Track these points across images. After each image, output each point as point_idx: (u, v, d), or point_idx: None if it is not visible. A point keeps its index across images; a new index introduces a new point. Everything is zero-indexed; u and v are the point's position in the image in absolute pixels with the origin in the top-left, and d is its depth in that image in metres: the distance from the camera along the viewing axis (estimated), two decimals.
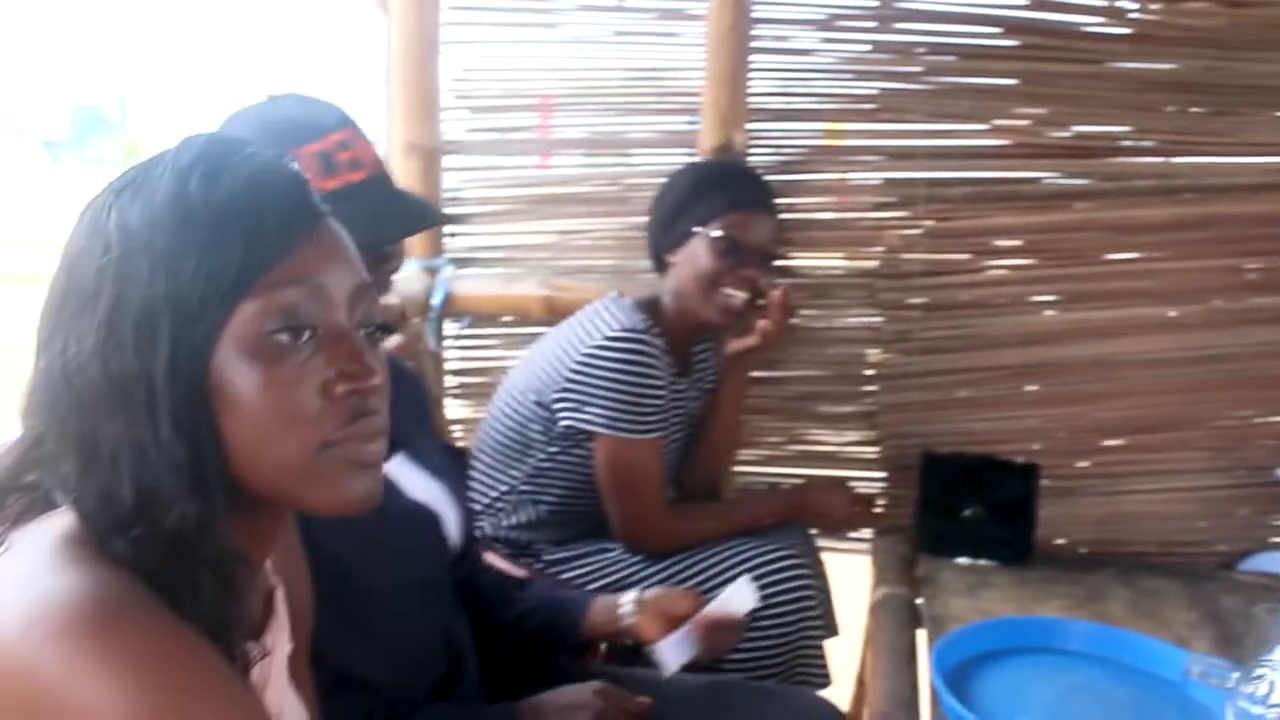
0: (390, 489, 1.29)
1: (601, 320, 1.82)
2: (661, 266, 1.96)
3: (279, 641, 0.94)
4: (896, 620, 1.68)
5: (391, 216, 1.22)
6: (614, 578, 1.84)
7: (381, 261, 1.23)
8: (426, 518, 1.38)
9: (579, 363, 1.78)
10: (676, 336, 1.95)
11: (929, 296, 2.23)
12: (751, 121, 2.20)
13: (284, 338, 0.77)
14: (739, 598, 1.61)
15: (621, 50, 2.30)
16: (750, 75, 2.18)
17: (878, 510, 2.24)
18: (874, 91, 2.19)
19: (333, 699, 1.19)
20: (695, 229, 1.87)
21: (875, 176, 2.25)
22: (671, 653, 1.50)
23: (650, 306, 1.92)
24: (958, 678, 1.39)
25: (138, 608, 0.70)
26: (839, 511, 2.08)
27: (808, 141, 2.25)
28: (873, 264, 2.25)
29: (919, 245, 2.21)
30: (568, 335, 1.85)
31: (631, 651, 1.60)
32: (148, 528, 0.74)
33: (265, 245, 0.76)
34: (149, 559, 0.73)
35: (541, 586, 1.67)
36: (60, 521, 0.75)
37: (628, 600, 1.55)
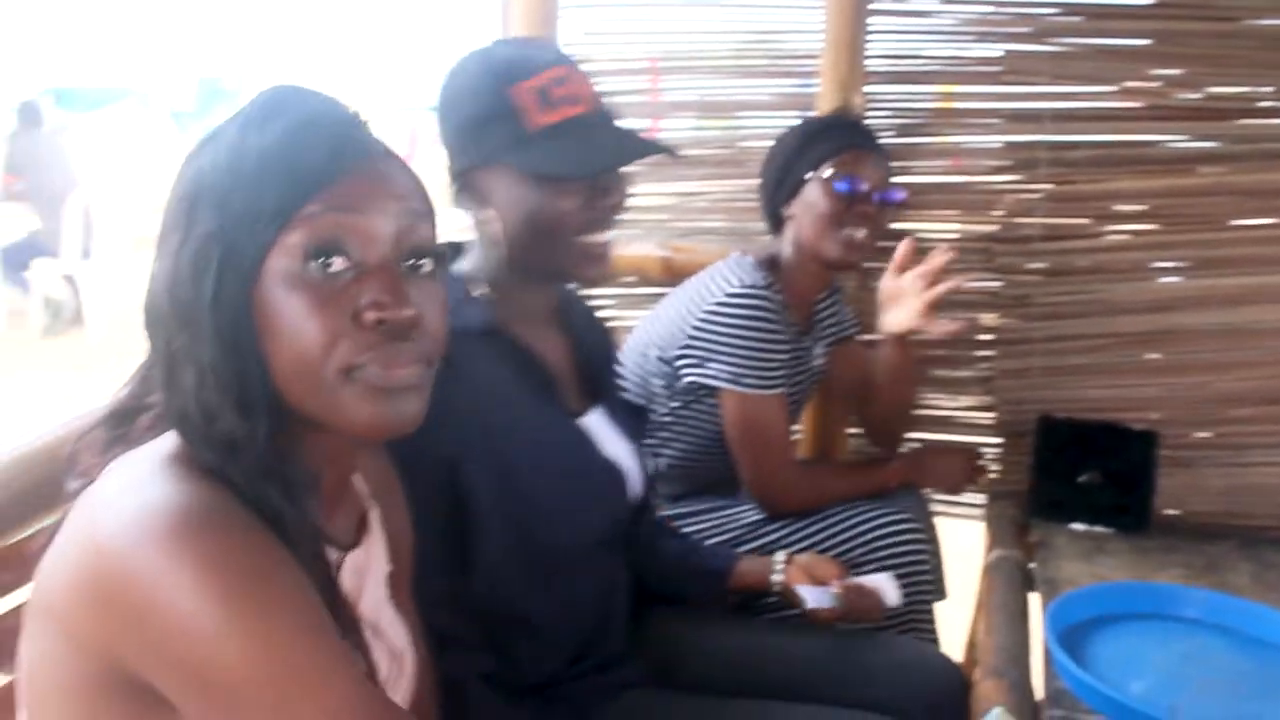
0: (588, 444, 1.37)
1: (723, 278, 1.85)
2: (778, 224, 1.98)
3: (375, 558, 1.00)
4: (1009, 582, 1.69)
5: (601, 149, 1.24)
6: (729, 534, 1.88)
7: (599, 195, 1.25)
8: (617, 475, 1.41)
9: (701, 319, 1.82)
10: (798, 293, 1.96)
11: (1049, 261, 2.20)
12: (869, 84, 2.20)
13: (321, 267, 0.82)
14: (887, 590, 1.60)
15: (737, 13, 2.31)
16: (868, 38, 2.18)
17: (991, 475, 2.23)
18: (996, 54, 2.16)
19: (498, 635, 1.26)
20: (808, 175, 1.89)
21: (994, 140, 2.22)
22: (812, 594, 1.54)
23: (771, 264, 1.94)
24: (1071, 639, 1.40)
25: (224, 519, 0.76)
26: (959, 477, 2.07)
27: (926, 104, 2.24)
28: (991, 228, 2.23)
29: (1039, 209, 2.18)
30: (691, 293, 1.88)
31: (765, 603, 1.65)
32: (211, 436, 0.80)
33: (304, 180, 0.81)
34: (222, 464, 0.80)
35: (690, 538, 1.72)
36: (167, 440, 0.83)
37: (779, 558, 1.59)
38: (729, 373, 1.79)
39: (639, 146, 1.29)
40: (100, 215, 6.43)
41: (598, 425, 1.41)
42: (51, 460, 0.90)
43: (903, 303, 1.87)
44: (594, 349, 1.45)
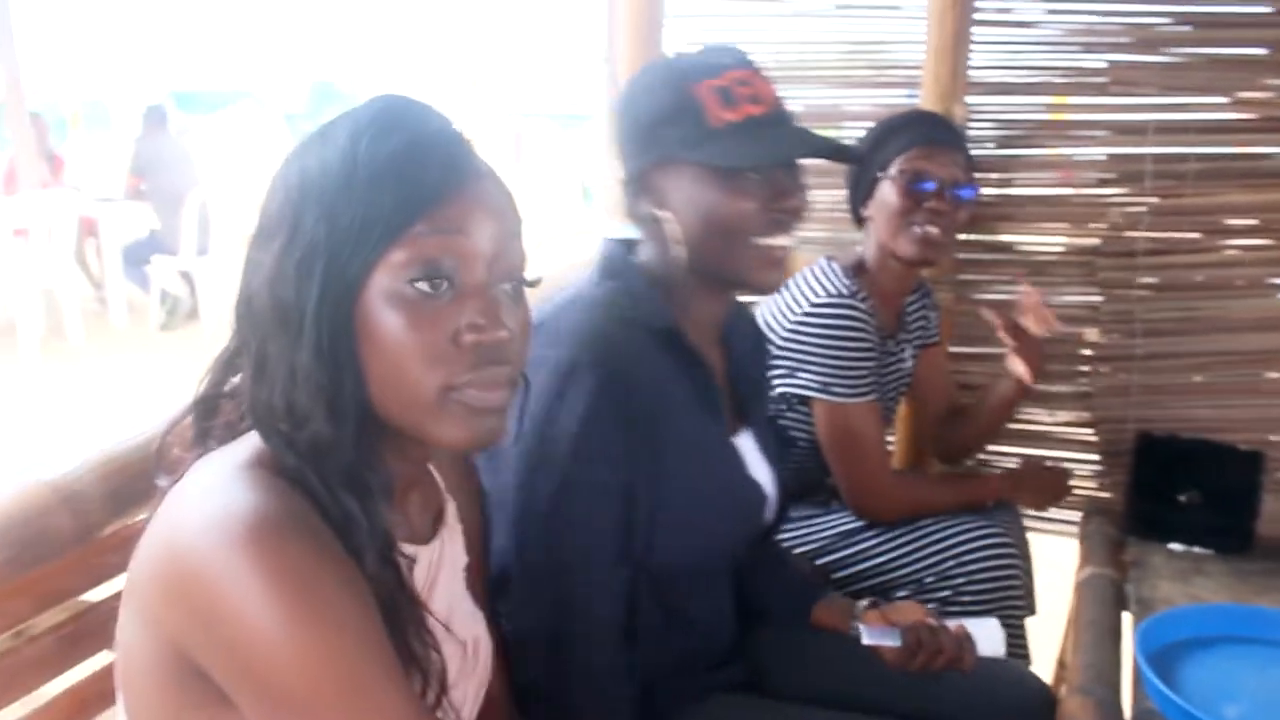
0: (740, 464, 1.38)
1: (809, 287, 1.85)
2: (862, 225, 1.98)
3: (451, 551, 1.03)
4: (1101, 600, 1.66)
5: (782, 144, 1.24)
6: (819, 543, 1.88)
7: (778, 197, 1.24)
8: (760, 500, 1.41)
9: (790, 329, 1.83)
10: (885, 294, 1.96)
11: (1154, 276, 2.16)
12: (971, 95, 2.18)
13: (424, 286, 0.83)
14: (984, 636, 1.48)
15: (842, 23, 2.31)
16: (972, 48, 2.16)
17: (1088, 491, 2.20)
18: (1101, 64, 2.13)
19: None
20: (879, 175, 1.89)
21: (1099, 152, 2.19)
22: (871, 630, 1.44)
23: (858, 269, 1.94)
24: (1162, 660, 1.37)
25: (295, 529, 0.78)
26: (1052, 496, 2.05)
27: (1029, 115, 2.21)
28: (1094, 242, 2.19)
29: (1144, 223, 2.14)
30: (780, 302, 1.89)
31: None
32: (294, 435, 0.83)
33: (414, 200, 0.83)
34: (299, 462, 0.82)
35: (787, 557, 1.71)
36: (247, 443, 0.86)
37: (861, 605, 1.52)
38: (819, 382, 1.80)
39: (820, 143, 1.31)
40: (216, 214, 6.67)
41: (747, 447, 1.41)
42: None
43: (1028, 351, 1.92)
44: (750, 369, 1.45)
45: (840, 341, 1.80)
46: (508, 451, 1.18)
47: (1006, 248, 2.28)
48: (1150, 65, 2.09)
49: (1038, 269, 2.24)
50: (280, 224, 0.85)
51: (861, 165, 1.92)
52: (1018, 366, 1.96)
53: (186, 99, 11.92)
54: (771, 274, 1.27)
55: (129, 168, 7.26)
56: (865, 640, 1.43)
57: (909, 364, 2.07)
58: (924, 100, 2.18)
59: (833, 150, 1.32)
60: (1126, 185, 2.15)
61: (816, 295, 1.82)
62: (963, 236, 2.24)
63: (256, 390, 0.85)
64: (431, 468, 1.04)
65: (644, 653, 1.30)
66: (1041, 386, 2.28)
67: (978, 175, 2.22)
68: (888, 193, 1.87)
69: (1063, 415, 2.29)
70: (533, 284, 0.92)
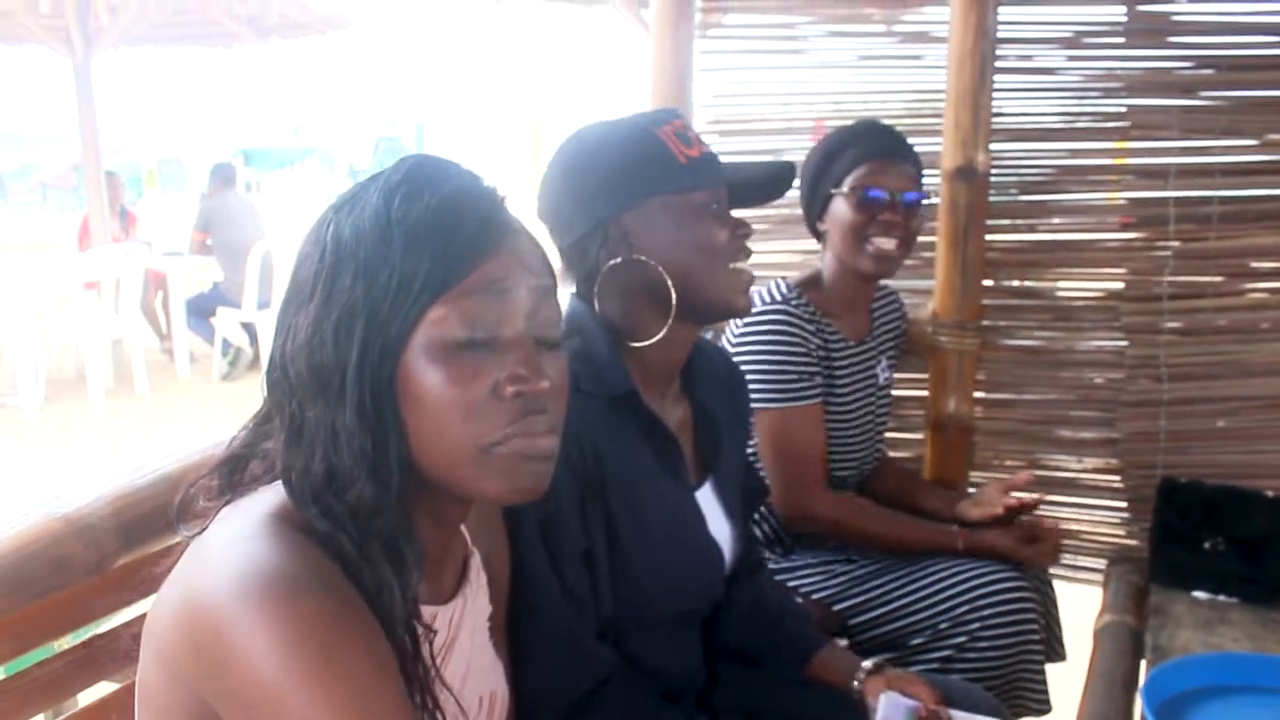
0: (697, 522, 1.38)
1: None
2: (820, 239, 1.99)
3: (474, 603, 1.03)
4: (1118, 648, 1.64)
5: (752, 165, 1.42)
6: (832, 589, 1.86)
7: (738, 227, 1.32)
8: (715, 559, 1.40)
9: (734, 349, 1.84)
10: (845, 303, 1.96)
11: (1179, 320, 2.14)
12: (994, 142, 2.19)
13: (464, 342, 0.84)
14: None
15: (865, 74, 2.34)
16: (994, 95, 2.18)
17: (1115, 539, 2.16)
18: (1122, 109, 2.13)
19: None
20: (833, 191, 1.90)
21: (1121, 196, 2.18)
22: (885, 707, 1.38)
23: (812, 281, 1.95)
24: (1172, 709, 1.35)
25: (316, 586, 0.78)
26: (1044, 556, 1.89)
27: (1052, 161, 2.22)
28: (1118, 286, 2.18)
29: (1168, 267, 2.13)
30: (730, 328, 1.91)
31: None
32: (333, 501, 0.83)
33: (452, 258, 0.84)
34: (332, 528, 0.82)
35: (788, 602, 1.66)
36: (273, 495, 0.86)
37: (867, 665, 1.47)
38: (759, 393, 1.77)
39: (776, 164, 1.43)
40: (278, 267, 6.85)
41: (707, 501, 1.42)
42: (182, 483, 0.98)
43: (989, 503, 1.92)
44: (718, 410, 1.45)
45: (774, 347, 1.81)
46: None
47: (1032, 293, 2.28)
48: (1170, 109, 2.09)
49: (1063, 314, 2.24)
50: (315, 287, 0.84)
51: (814, 181, 1.94)
52: (973, 513, 1.93)
53: (256, 155, 12.30)
54: (744, 298, 1.33)
55: (195, 224, 7.50)
56: (878, 718, 1.38)
57: (884, 377, 2.05)
58: (946, 147, 2.19)
59: (786, 168, 1.42)
60: (1150, 229, 2.13)
61: (754, 307, 1.82)
62: (987, 283, 2.25)
63: (291, 457, 0.85)
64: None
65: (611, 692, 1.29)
66: (1068, 433, 2.27)
67: (1002, 222, 2.24)
68: (841, 209, 1.88)
69: (1090, 461, 2.26)
70: (570, 338, 0.93)
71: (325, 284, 0.84)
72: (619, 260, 1.28)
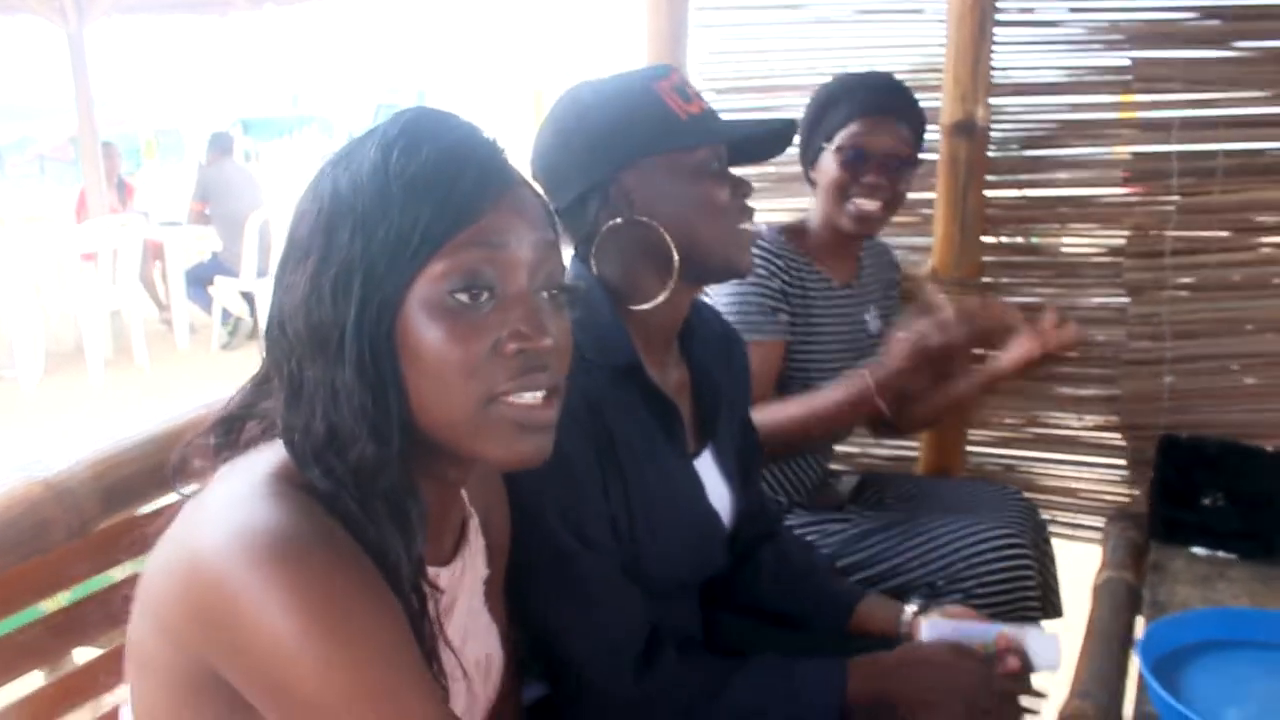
0: (696, 492, 1.35)
1: None
2: (814, 187, 1.96)
3: (472, 565, 1.02)
4: (1115, 604, 1.63)
5: (751, 122, 1.35)
6: (829, 548, 1.84)
7: (740, 188, 1.28)
8: (715, 529, 1.39)
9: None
10: (830, 250, 1.92)
11: (1183, 276, 2.11)
12: (994, 96, 2.16)
13: (464, 297, 0.82)
14: (1040, 646, 1.34)
15: (863, 29, 2.30)
16: (994, 49, 2.14)
17: (1117, 497, 2.14)
18: (1125, 62, 2.09)
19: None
20: (823, 144, 1.87)
21: (1124, 150, 2.15)
22: (930, 626, 1.37)
23: (798, 226, 1.93)
24: (1169, 664, 1.33)
25: (324, 545, 0.77)
26: (908, 369, 1.67)
27: (1053, 116, 2.18)
28: (1120, 242, 2.15)
29: (1171, 222, 2.09)
30: None
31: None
32: (334, 460, 0.81)
33: (450, 211, 0.82)
34: (336, 490, 0.81)
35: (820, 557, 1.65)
36: (272, 454, 0.84)
37: (910, 608, 1.46)
38: None
39: (775, 121, 1.35)
40: (277, 236, 6.82)
41: (706, 468, 1.39)
42: (173, 444, 0.94)
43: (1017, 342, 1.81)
44: (716, 374, 1.42)
45: (740, 283, 1.77)
46: None
47: (1033, 250, 2.25)
48: (1174, 61, 2.05)
49: (1064, 271, 2.21)
50: (312, 244, 0.83)
51: (808, 131, 1.90)
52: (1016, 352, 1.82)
53: (255, 125, 12.24)
54: (748, 256, 1.31)
55: (193, 194, 7.46)
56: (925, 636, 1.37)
57: (875, 326, 2.00)
58: (945, 102, 2.16)
59: (787, 124, 1.35)
60: (1153, 184, 2.10)
61: None
62: (988, 239, 2.22)
63: (292, 416, 0.83)
64: None
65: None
66: (1070, 390, 2.25)
67: (1002, 177, 2.21)
68: (828, 163, 1.85)
69: (1091, 419, 2.24)
70: (573, 292, 0.91)
71: (322, 240, 0.82)
72: (619, 221, 1.25)
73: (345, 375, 0.81)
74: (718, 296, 1.78)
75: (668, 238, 1.24)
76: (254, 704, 0.78)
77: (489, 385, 0.83)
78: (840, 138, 1.84)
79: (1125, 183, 2.19)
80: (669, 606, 1.33)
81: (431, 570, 0.91)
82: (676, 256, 1.24)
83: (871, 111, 1.84)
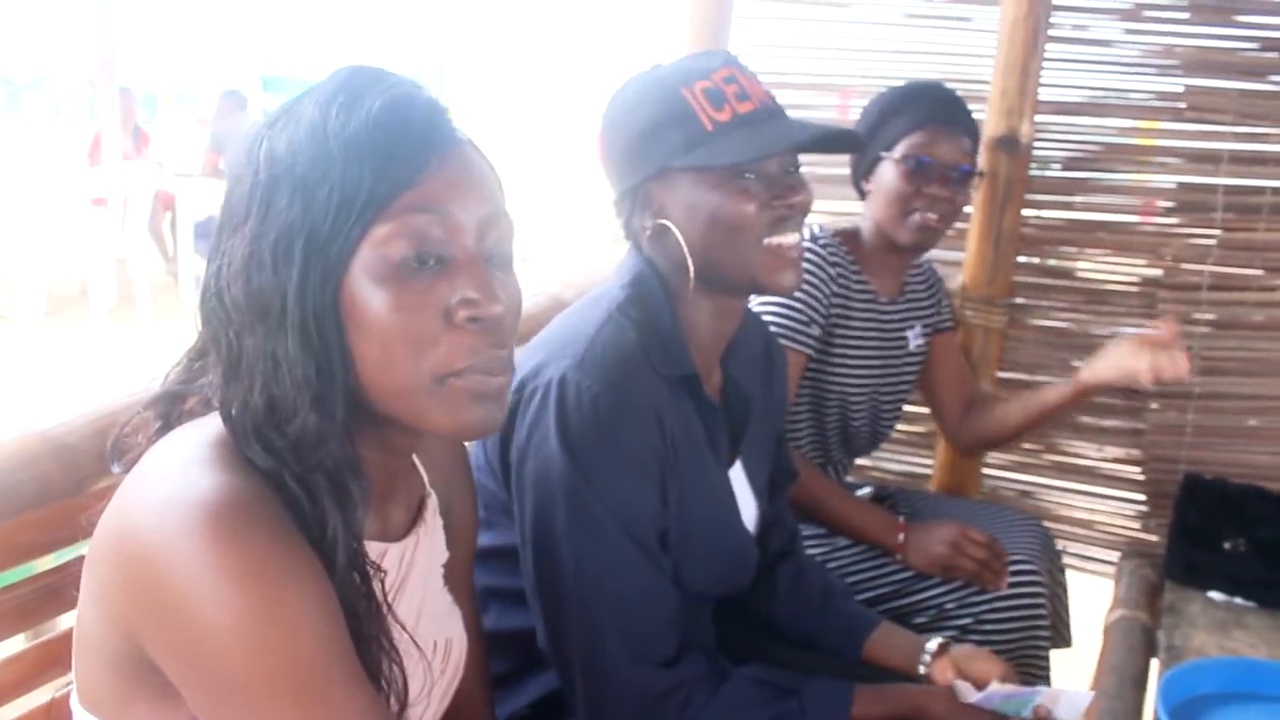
0: (729, 512, 1.32)
1: None
2: (863, 196, 1.91)
3: (428, 545, 0.98)
4: (1128, 644, 1.59)
5: (773, 136, 1.19)
6: (838, 566, 1.80)
7: (780, 194, 1.19)
8: (747, 543, 1.36)
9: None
10: (880, 262, 1.87)
11: (1216, 313, 2.07)
12: (1040, 113, 2.11)
13: (411, 262, 0.78)
14: (1069, 705, 1.28)
15: (911, 33, 2.25)
16: (1044, 65, 2.09)
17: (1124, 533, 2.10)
18: (1178, 88, 2.05)
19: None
20: (882, 154, 1.81)
21: (1169, 180, 2.10)
22: (985, 698, 1.27)
23: (851, 233, 1.87)
24: (1186, 712, 1.30)
25: (260, 517, 0.74)
26: (939, 558, 1.74)
27: (1099, 138, 2.14)
28: (1157, 273, 2.11)
29: (1210, 257, 2.05)
30: None
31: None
32: (274, 435, 0.78)
33: (393, 172, 0.78)
34: (275, 464, 0.77)
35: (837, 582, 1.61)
36: (211, 426, 0.80)
37: (930, 646, 1.41)
38: None
39: (816, 131, 1.23)
40: None
41: (738, 481, 1.36)
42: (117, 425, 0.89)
43: (1127, 357, 1.70)
44: (748, 387, 1.37)
45: None
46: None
47: (1066, 273, 2.20)
48: (1228, 92, 2.01)
49: (1096, 297, 2.17)
50: (250, 208, 0.78)
51: (865, 139, 1.83)
52: (1104, 368, 1.74)
53: (274, 82, 12.15)
54: (785, 274, 1.21)
55: (209, 144, 7.40)
56: (969, 699, 1.28)
57: (917, 344, 1.96)
58: (989, 115, 2.11)
59: (830, 137, 1.25)
60: (1195, 216, 2.05)
61: None
62: (1021, 259, 2.18)
63: (230, 390, 0.79)
64: (416, 460, 0.99)
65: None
66: (1092, 421, 2.20)
67: (1042, 198, 2.16)
68: (888, 174, 1.79)
69: (1112, 451, 2.20)
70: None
71: (260, 204, 0.78)
72: (649, 226, 1.22)
73: (287, 344, 0.77)
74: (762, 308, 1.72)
75: (684, 247, 1.20)
76: (175, 683, 0.75)
77: (446, 363, 0.79)
78: (903, 147, 1.78)
79: (1166, 212, 2.14)
80: (686, 617, 1.29)
81: (379, 545, 0.89)
82: (692, 266, 1.21)
83: (936, 121, 1.79)
